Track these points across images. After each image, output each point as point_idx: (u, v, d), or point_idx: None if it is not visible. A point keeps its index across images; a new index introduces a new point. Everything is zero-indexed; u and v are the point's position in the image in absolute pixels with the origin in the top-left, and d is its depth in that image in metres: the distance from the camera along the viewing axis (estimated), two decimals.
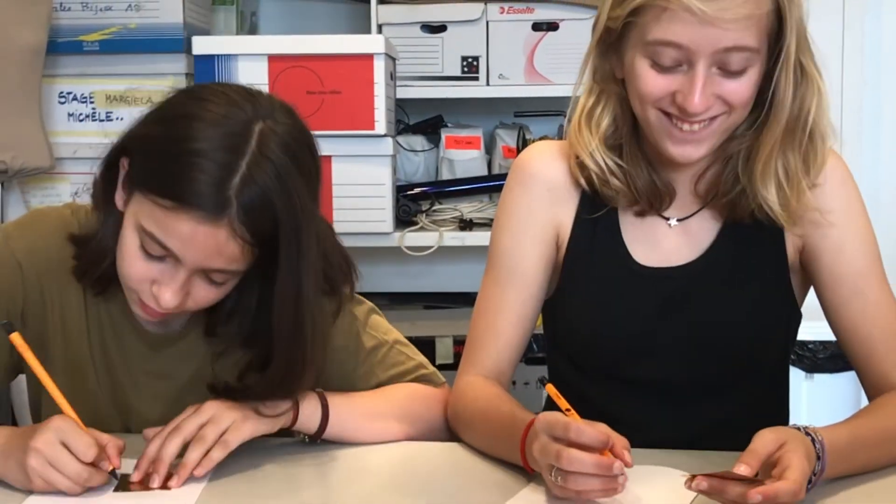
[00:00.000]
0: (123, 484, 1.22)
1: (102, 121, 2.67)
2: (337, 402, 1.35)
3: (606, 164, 1.38)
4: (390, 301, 2.90)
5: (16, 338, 1.25)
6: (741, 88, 1.28)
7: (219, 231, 1.19)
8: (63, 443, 1.18)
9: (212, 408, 1.27)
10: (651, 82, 1.29)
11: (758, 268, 1.39)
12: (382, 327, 1.47)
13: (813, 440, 1.15)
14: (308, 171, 1.26)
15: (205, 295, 1.26)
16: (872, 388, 1.36)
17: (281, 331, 1.26)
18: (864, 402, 1.37)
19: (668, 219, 1.41)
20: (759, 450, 1.11)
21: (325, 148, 2.38)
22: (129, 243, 1.24)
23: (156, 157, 1.22)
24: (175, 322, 1.39)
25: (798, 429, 1.17)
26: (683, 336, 1.38)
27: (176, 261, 1.22)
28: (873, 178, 2.91)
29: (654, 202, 1.40)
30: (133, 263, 1.24)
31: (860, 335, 1.36)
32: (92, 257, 1.32)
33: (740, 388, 1.40)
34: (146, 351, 1.38)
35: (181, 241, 1.20)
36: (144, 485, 1.22)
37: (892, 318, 1.36)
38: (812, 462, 1.13)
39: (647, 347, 1.39)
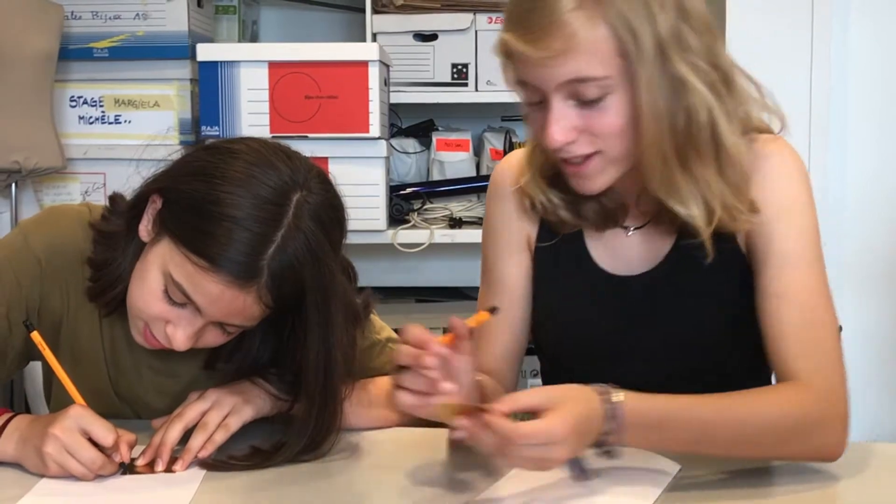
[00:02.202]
0: (130, 467, 1.22)
1: (111, 123, 2.66)
2: None
3: (550, 199, 1.32)
4: (384, 295, 2.89)
5: (35, 336, 1.24)
6: (603, 118, 1.16)
7: (247, 295, 1.18)
8: (82, 429, 1.18)
9: (214, 394, 1.27)
10: (530, 120, 1.23)
11: (718, 269, 1.28)
12: (376, 326, 1.46)
13: (607, 401, 1.10)
14: (336, 240, 1.24)
15: (214, 339, 1.25)
16: (778, 375, 1.25)
17: (312, 392, 1.25)
18: None
19: (626, 228, 1.34)
20: (512, 401, 1.09)
21: (322, 150, 2.40)
22: (153, 284, 1.22)
23: (194, 214, 1.19)
24: None
25: (604, 388, 1.11)
26: (653, 340, 1.33)
27: (196, 310, 1.21)
28: (840, 179, 2.92)
29: (608, 220, 1.33)
30: (153, 303, 1.22)
31: (772, 320, 1.24)
32: (109, 282, 1.29)
33: (722, 380, 1.27)
34: (150, 349, 1.37)
35: (207, 299, 1.19)
36: (150, 468, 1.23)
37: (809, 309, 1.23)
38: (589, 423, 1.08)
39: (618, 352, 1.34)
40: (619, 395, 1.11)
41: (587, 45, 1.13)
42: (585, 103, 1.16)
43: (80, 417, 1.19)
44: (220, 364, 1.34)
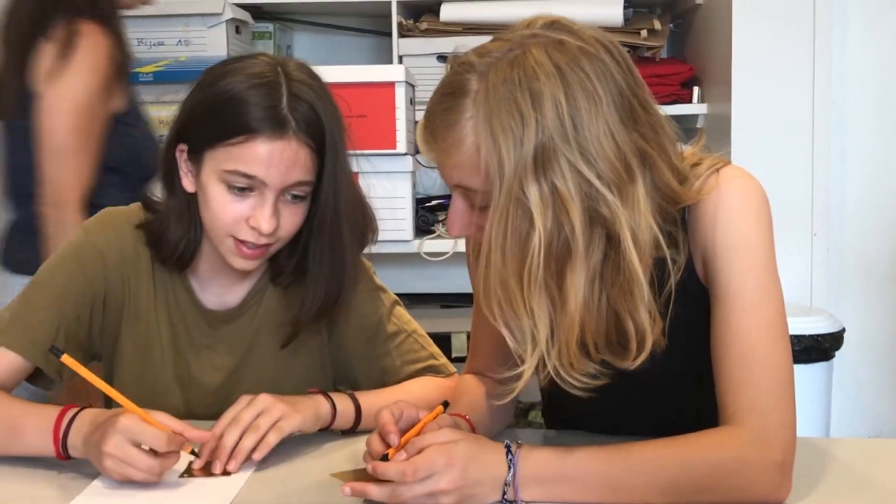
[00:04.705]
0: (188, 470, 1.20)
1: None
2: (365, 399, 1.35)
3: None
4: (411, 301, 2.89)
5: (67, 359, 1.20)
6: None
7: (289, 143, 1.24)
8: (133, 441, 1.14)
9: (264, 400, 1.25)
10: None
11: (691, 308, 1.16)
12: (404, 318, 1.47)
13: (509, 450, 1.06)
14: (330, 95, 1.31)
15: (291, 219, 1.29)
16: (719, 417, 1.12)
17: (321, 232, 1.32)
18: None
19: None
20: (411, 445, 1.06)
21: (352, 166, 2.40)
22: (217, 192, 1.27)
23: (210, 115, 1.26)
24: (234, 296, 1.41)
25: (513, 443, 1.06)
26: (639, 388, 1.19)
27: (262, 188, 1.26)
28: (840, 188, 2.90)
29: None
30: (225, 208, 1.27)
31: (714, 360, 1.12)
32: (159, 229, 1.35)
33: (706, 414, 1.15)
34: (206, 328, 1.40)
35: (263, 164, 1.24)
36: (207, 471, 1.20)
37: (748, 349, 1.09)
38: (479, 461, 1.05)
39: (609, 397, 1.19)
40: (519, 447, 1.06)
41: (466, 159, 1.06)
42: (477, 206, 1.08)
43: (127, 430, 1.14)
44: (284, 278, 1.38)
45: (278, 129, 1.24)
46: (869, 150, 2.91)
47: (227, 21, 2.63)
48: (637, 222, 1.06)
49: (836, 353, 2.58)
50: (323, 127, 1.27)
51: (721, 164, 1.17)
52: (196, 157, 1.29)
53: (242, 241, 1.29)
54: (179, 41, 2.64)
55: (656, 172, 1.09)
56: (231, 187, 1.26)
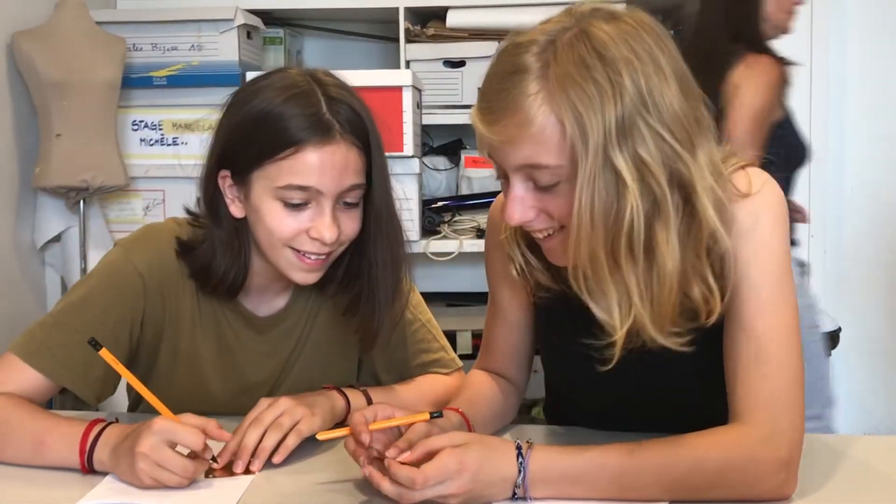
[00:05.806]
0: (210, 470, 1.17)
1: (170, 145, 2.69)
2: (378, 395, 1.35)
3: (528, 261, 1.23)
4: None
5: (105, 353, 1.19)
6: (557, 202, 1.06)
7: (338, 146, 1.22)
8: (169, 441, 1.12)
9: (285, 402, 1.24)
10: (502, 189, 1.13)
11: None
12: (421, 306, 1.48)
13: (520, 452, 1.05)
14: (360, 96, 1.28)
15: (350, 224, 1.27)
16: (729, 413, 1.12)
17: (379, 231, 1.29)
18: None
19: None
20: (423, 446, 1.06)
21: None
22: (272, 209, 1.23)
23: (255, 136, 1.22)
24: (281, 299, 1.39)
25: (518, 441, 1.07)
26: (643, 388, 1.22)
27: (318, 198, 1.23)
28: (837, 191, 2.90)
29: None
30: (283, 222, 1.23)
31: (729, 355, 1.12)
32: (205, 261, 1.30)
33: (713, 410, 1.15)
34: (255, 335, 1.38)
35: (317, 173, 1.21)
36: (228, 471, 1.18)
37: (765, 348, 1.09)
38: (492, 466, 1.05)
39: (610, 386, 1.21)
40: (529, 448, 1.06)
41: (539, 134, 1.03)
42: (541, 188, 1.07)
43: (163, 431, 1.12)
44: (332, 287, 1.35)
45: (325, 134, 1.21)
46: (865, 154, 2.91)
47: (238, 26, 2.64)
48: (705, 182, 1.06)
49: (833, 352, 2.59)
50: (366, 125, 1.25)
51: (744, 163, 1.17)
52: (242, 179, 1.25)
53: (303, 253, 1.26)
54: (192, 46, 2.65)
55: (707, 142, 1.10)
56: (287, 204, 1.23)
